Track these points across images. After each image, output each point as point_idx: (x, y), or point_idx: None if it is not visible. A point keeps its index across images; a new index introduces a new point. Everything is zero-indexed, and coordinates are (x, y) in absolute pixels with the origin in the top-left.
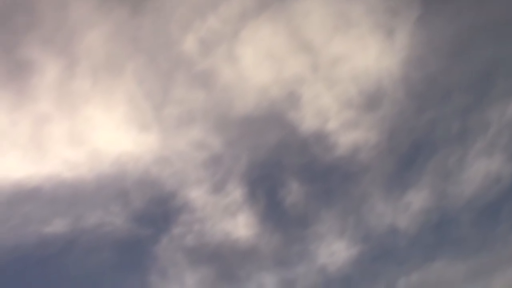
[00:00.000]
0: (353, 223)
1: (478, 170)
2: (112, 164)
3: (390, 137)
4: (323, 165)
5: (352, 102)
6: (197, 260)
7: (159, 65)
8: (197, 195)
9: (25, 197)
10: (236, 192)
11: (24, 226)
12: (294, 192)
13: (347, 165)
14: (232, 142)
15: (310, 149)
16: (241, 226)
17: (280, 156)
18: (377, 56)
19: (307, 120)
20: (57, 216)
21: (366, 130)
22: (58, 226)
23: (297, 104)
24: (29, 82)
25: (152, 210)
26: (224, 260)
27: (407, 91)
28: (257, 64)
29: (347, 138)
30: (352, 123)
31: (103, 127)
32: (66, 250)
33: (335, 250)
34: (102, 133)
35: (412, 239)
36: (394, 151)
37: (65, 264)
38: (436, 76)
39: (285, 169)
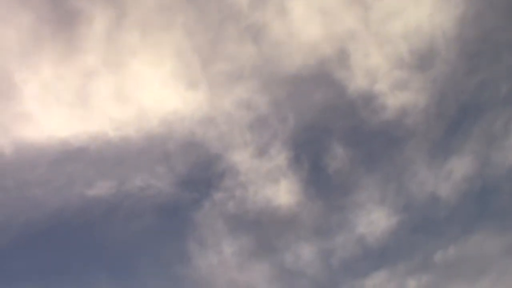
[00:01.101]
0: (394, 191)
1: None
2: (159, 124)
3: (439, 100)
4: (369, 129)
5: (403, 62)
6: (237, 228)
7: (208, 18)
8: (241, 159)
9: (71, 157)
10: (280, 157)
11: (69, 188)
12: (338, 157)
13: (393, 130)
14: (279, 102)
15: (357, 111)
16: (283, 193)
17: (326, 119)
18: (430, 12)
19: (356, 80)
20: (102, 178)
21: (416, 92)
22: (102, 188)
23: (346, 63)
24: (76, 34)
25: (195, 173)
26: (263, 229)
27: (460, 51)
28: (308, 19)
29: (395, 100)
30: (401, 84)
31: (151, 84)
32: (108, 214)
33: (374, 219)
34: (149, 90)
35: (452, 209)
36: (441, 115)
37: (106, 228)
38: (491, 35)
39: (331, 133)
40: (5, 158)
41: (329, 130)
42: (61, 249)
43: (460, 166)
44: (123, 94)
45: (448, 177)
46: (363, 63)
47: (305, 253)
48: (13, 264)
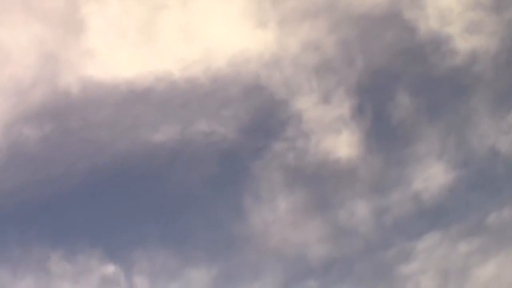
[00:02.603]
0: (454, 144)
1: None
2: (226, 65)
3: (511, 45)
4: (436, 75)
5: (478, 2)
6: (294, 182)
7: None
8: (305, 106)
9: (136, 99)
10: (343, 105)
11: (133, 132)
12: (402, 106)
13: (460, 77)
14: (347, 44)
15: (426, 55)
16: (343, 145)
17: (394, 63)
18: None
19: (427, 21)
20: (166, 122)
21: (488, 36)
22: (166, 133)
23: (419, 2)
24: None
25: (259, 120)
26: (320, 184)
27: None
28: None
29: (466, 44)
30: (474, 27)
31: (219, 21)
32: (170, 162)
33: (431, 175)
34: (217, 28)
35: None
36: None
37: (166, 177)
38: None
39: (397, 78)
40: (71, 97)
41: (396, 75)
42: (121, 196)
43: None
44: (190, 32)
45: (510, 130)
46: (436, 3)
47: (359, 211)
48: (75, 210)
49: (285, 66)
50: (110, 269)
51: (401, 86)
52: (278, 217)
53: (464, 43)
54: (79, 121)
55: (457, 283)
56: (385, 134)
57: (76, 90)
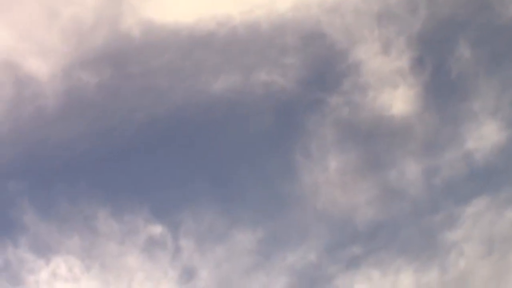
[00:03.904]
0: (510, 100)
1: None
2: (288, 10)
3: None
4: (501, 25)
5: None
6: (346, 138)
7: None
8: (364, 56)
9: (197, 45)
10: (403, 57)
11: (194, 79)
12: (462, 58)
13: None
14: None
15: (491, 3)
16: (399, 100)
17: (457, 12)
18: None
19: None
20: (227, 69)
21: None
22: (225, 82)
23: None
24: None
25: (318, 70)
26: (372, 141)
27: None
28: None
29: None
30: None
31: None
32: (228, 112)
33: (484, 133)
34: None
35: None
36: None
37: (224, 128)
38: None
39: (460, 28)
40: (132, 41)
41: (459, 24)
42: (174, 150)
43: None
44: None
45: None
46: None
47: (409, 171)
48: (126, 164)
49: (347, 12)
50: (157, 229)
51: (463, 36)
52: (328, 177)
53: None
54: (139, 67)
55: (502, 252)
56: (442, 88)
57: (137, 34)
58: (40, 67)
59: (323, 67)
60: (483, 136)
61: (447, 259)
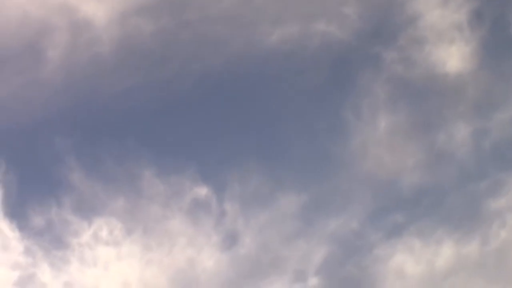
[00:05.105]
0: None
1: None
2: None
3: None
4: None
5: None
6: (398, 97)
7: None
8: (422, 8)
9: None
10: (462, 10)
11: (251, 28)
12: None
13: None
14: None
15: None
16: (455, 57)
17: None
18: None
19: None
20: (285, 18)
21: None
22: (283, 32)
23: None
24: None
25: (376, 23)
26: (424, 100)
27: None
28: None
29: None
30: None
31: None
32: (283, 65)
33: None
34: None
35: None
36: None
37: (278, 81)
38: None
39: None
40: None
41: None
42: (229, 103)
43: None
44: None
45: None
46: None
47: (459, 133)
48: (175, 119)
49: None
50: (202, 191)
51: None
52: (376, 138)
53: None
54: (197, 14)
55: None
56: (500, 45)
57: None
58: (97, 11)
59: (380, 19)
60: None
61: (489, 230)
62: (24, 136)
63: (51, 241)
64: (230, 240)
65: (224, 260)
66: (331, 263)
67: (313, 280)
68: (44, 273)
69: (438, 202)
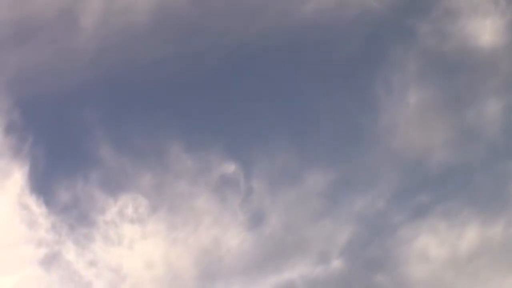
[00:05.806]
0: None
1: None
2: None
3: None
4: None
5: None
6: (429, 71)
7: None
8: None
9: None
10: None
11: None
12: None
13: None
14: None
15: None
16: (488, 31)
17: None
18: None
19: None
20: None
21: None
22: (319, 2)
23: None
24: None
25: None
26: (455, 75)
27: None
28: None
29: None
30: None
31: None
32: (318, 36)
33: None
34: None
35: None
36: None
37: (312, 54)
38: None
39: None
40: None
41: None
42: (260, 77)
43: None
44: None
45: None
46: None
47: (489, 110)
48: (212, 89)
49: None
50: (230, 168)
51: None
52: (406, 114)
53: None
54: None
55: None
56: None
57: None
58: None
59: None
60: None
61: None
62: (52, 107)
63: (77, 218)
64: (256, 219)
65: (249, 240)
66: (355, 244)
67: (336, 262)
68: (69, 251)
69: (465, 182)
